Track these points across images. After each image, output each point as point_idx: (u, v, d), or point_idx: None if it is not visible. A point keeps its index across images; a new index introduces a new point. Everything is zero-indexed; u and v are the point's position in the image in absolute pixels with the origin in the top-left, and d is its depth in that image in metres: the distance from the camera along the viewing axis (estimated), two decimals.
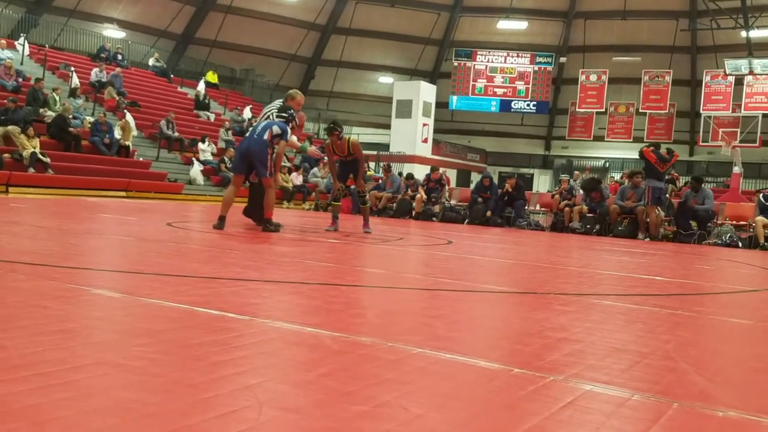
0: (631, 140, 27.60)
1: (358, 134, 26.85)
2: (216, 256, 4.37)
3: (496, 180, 25.28)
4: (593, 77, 27.75)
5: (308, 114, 27.79)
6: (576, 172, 18.62)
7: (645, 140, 27.35)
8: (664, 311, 3.25)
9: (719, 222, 12.00)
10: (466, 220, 13.59)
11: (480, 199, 13.59)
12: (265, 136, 6.54)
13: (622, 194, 12.27)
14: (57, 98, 15.58)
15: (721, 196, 17.13)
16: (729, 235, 11.13)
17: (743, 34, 23.74)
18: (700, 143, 26.39)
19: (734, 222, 12.06)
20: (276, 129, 6.62)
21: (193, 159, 17.05)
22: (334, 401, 1.47)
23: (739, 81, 24.81)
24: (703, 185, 12.10)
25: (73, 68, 18.53)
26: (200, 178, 16.71)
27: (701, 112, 25.94)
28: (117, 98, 18.12)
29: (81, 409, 1.31)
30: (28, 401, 1.33)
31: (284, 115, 7.03)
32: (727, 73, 24.14)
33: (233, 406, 1.38)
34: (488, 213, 13.40)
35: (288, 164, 19.49)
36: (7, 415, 1.24)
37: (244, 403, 1.40)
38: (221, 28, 27.48)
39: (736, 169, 20.03)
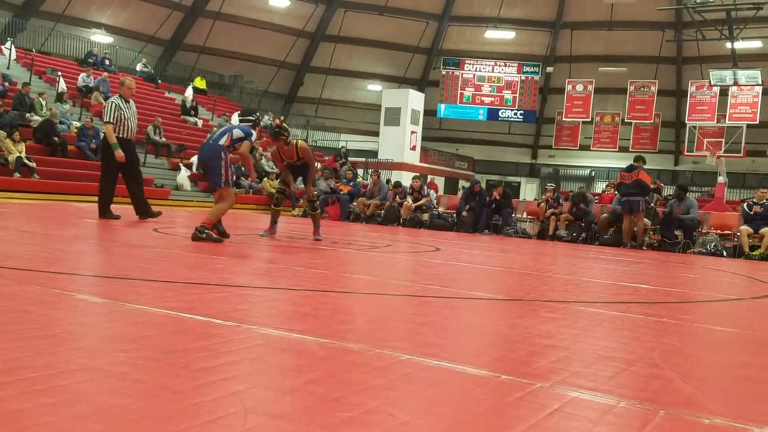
0: (617, 150, 27.80)
1: (347, 141, 26.90)
2: (203, 262, 4.35)
3: (483, 187, 25.37)
4: (579, 87, 27.94)
5: (297, 121, 27.93)
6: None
7: (631, 149, 27.63)
8: (650, 319, 3.26)
9: (704, 231, 12.09)
10: (455, 228, 13.61)
11: (467, 207, 13.58)
12: (222, 141, 5.99)
13: (619, 202, 12.31)
14: (43, 103, 15.49)
15: (705, 205, 17.27)
16: (714, 244, 11.22)
17: (728, 45, 23.98)
18: (685, 153, 26.62)
19: (719, 231, 12.17)
20: (237, 132, 6.11)
21: (180, 165, 16.98)
22: (321, 408, 1.47)
23: (723, 92, 25.07)
24: (687, 194, 12.19)
25: (60, 73, 18.43)
26: (187, 184, 16.64)
27: (686, 122, 26.18)
28: (103, 103, 18.02)
29: (65, 414, 1.30)
30: (11, 407, 1.31)
31: (250, 118, 6.97)
32: (712, 83, 24.39)
33: (219, 413, 1.37)
34: (464, 212, 13.46)
35: (275, 170, 19.44)
36: None
37: (230, 410, 1.39)
38: (210, 34, 27.44)
39: (721, 179, 20.21)
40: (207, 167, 6.02)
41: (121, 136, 7.85)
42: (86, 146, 14.98)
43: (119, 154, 7.79)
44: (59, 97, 17.14)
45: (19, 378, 1.49)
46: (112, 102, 7.94)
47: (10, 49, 18.87)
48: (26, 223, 6.56)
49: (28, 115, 14.85)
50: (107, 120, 7.89)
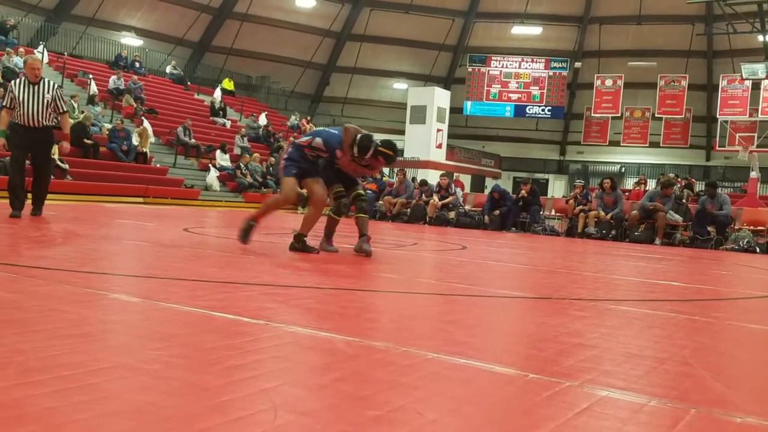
0: (647, 145, 27.45)
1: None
2: (232, 261, 4.39)
3: (510, 186, 25.17)
4: (609, 82, 27.62)
5: (323, 120, 28.02)
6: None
7: (661, 145, 27.22)
8: (681, 317, 3.22)
9: (736, 227, 11.89)
10: (482, 226, 13.56)
11: (497, 212, 13.48)
12: (301, 140, 5.22)
13: (650, 198, 12.16)
14: (75, 105, 15.75)
15: (738, 201, 16.97)
16: (746, 240, 11.02)
17: (760, 38, 23.53)
18: (717, 148, 26.15)
19: (752, 227, 11.95)
20: (317, 141, 5.07)
21: (210, 165, 17.17)
22: (348, 405, 1.47)
23: (755, 85, 24.57)
24: (718, 191, 11.99)
25: (91, 76, 18.74)
26: (216, 184, 16.82)
27: (718, 116, 25.73)
28: (134, 105, 18.29)
29: (98, 412, 1.32)
30: (45, 404, 1.34)
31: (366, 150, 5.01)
32: (744, 77, 23.91)
33: (249, 410, 1.39)
34: (496, 212, 13.36)
35: None
36: (25, 418, 1.25)
37: (260, 407, 1.41)
38: (237, 36, 27.68)
39: (754, 174, 19.84)
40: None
41: (17, 122, 6.80)
42: (118, 148, 15.22)
43: None
44: (91, 100, 17.43)
45: (52, 376, 1.52)
46: (11, 84, 6.92)
47: (43, 53, 19.23)
48: (59, 224, 6.68)
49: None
50: (2, 104, 7.04)
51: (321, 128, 5.39)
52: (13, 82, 6.90)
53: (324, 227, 5.53)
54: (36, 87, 6.78)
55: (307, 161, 5.16)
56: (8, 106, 6.78)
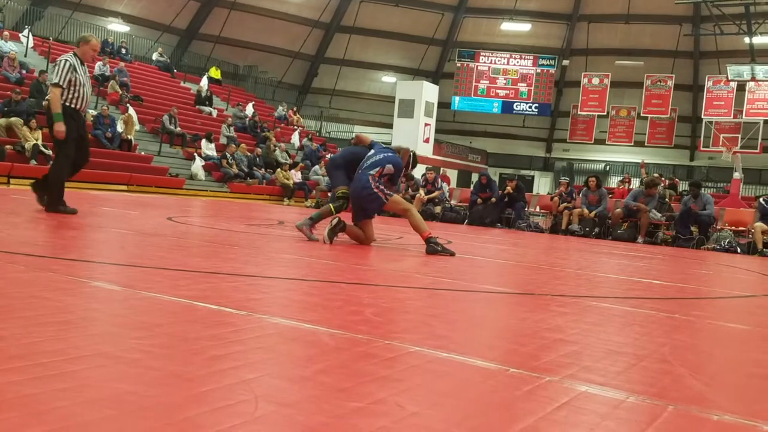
0: (632, 144, 27.64)
1: (360, 133, 26.87)
2: (216, 252, 4.38)
3: (497, 182, 25.23)
4: (595, 80, 27.76)
5: (311, 111, 27.97)
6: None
7: (646, 144, 27.42)
8: (661, 314, 3.25)
9: (719, 227, 12.01)
10: (466, 221, 13.61)
11: (479, 200, 13.59)
12: (372, 173, 5.73)
13: (635, 197, 12.25)
14: None
15: (721, 201, 17.14)
16: (728, 240, 11.14)
17: (746, 40, 23.73)
18: (701, 148, 26.41)
19: (733, 227, 12.09)
20: (389, 168, 5.75)
21: (195, 154, 17.07)
22: (330, 397, 1.48)
23: (741, 87, 24.83)
24: (702, 190, 12.12)
25: None
26: (201, 174, 16.74)
27: (703, 117, 25.97)
28: (120, 92, 18.13)
29: (77, 400, 1.32)
30: (24, 391, 1.33)
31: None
32: (730, 78, 24.14)
33: (230, 400, 1.39)
34: (492, 200, 13.42)
35: (289, 161, 19.50)
36: (3, 405, 1.25)
37: (241, 397, 1.41)
38: (225, 24, 27.50)
39: (737, 175, 20.03)
40: (364, 204, 5.85)
41: (72, 105, 6.22)
42: (102, 135, 15.09)
43: (59, 127, 6.11)
44: None
45: (32, 363, 1.51)
46: (67, 61, 6.20)
47: (28, 37, 19.03)
48: (42, 211, 6.61)
49: (44, 102, 14.96)
50: (56, 81, 6.13)
51: (379, 156, 5.84)
52: (68, 59, 6.22)
53: (318, 214, 6.01)
54: (84, 68, 6.36)
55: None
56: (64, 84, 6.14)
